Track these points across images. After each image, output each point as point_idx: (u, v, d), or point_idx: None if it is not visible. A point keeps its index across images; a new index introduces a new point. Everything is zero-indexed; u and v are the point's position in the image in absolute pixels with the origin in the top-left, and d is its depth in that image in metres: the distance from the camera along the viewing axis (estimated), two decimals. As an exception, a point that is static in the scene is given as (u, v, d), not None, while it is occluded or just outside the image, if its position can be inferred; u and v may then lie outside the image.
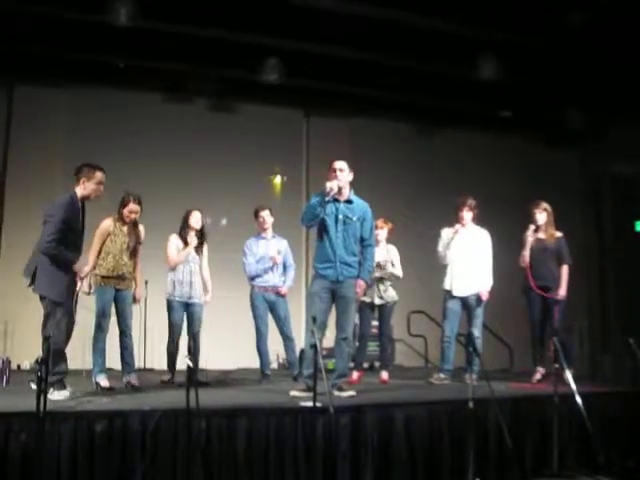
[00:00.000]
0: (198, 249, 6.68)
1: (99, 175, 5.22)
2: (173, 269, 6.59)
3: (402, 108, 10.28)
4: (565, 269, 6.81)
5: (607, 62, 8.52)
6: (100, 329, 5.87)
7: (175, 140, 9.47)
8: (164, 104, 9.52)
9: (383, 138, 10.51)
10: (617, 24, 7.76)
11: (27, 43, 8.12)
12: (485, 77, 8.38)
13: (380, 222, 6.96)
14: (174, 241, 6.64)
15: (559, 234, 6.90)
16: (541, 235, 6.86)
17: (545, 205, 6.91)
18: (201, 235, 6.72)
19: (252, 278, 7.08)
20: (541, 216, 6.85)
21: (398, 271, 6.99)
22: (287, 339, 7.14)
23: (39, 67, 8.82)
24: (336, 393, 5.33)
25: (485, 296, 6.72)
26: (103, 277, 5.90)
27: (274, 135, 10.01)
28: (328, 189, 5.45)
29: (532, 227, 6.82)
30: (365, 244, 5.71)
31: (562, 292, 6.75)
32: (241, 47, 8.40)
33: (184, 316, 6.62)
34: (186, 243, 6.60)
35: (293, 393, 5.41)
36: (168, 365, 6.61)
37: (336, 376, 5.57)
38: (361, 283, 5.66)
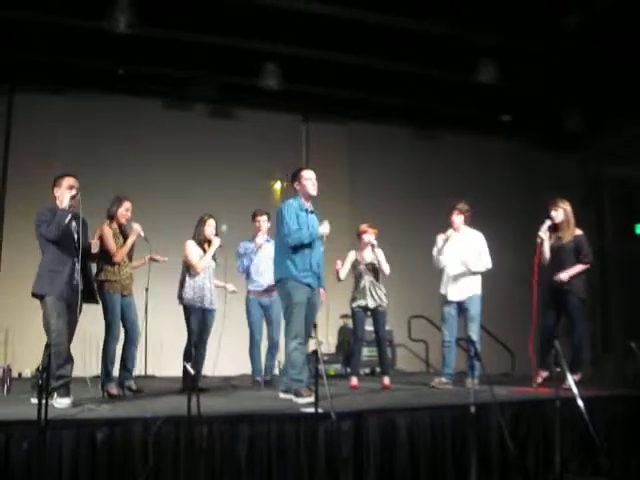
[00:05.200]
0: (213, 256, 6.63)
1: (69, 180, 5.25)
2: (192, 275, 6.48)
3: (401, 112, 10.31)
4: (579, 265, 6.50)
5: (606, 65, 8.54)
6: (112, 337, 5.89)
7: (175, 146, 9.48)
8: (163, 110, 9.56)
9: (382, 142, 10.53)
10: (615, 27, 7.77)
11: (27, 50, 8.15)
12: (484, 81, 8.38)
13: (367, 226, 7.00)
14: (194, 247, 6.53)
15: (579, 232, 6.62)
16: (559, 234, 6.61)
17: (562, 203, 6.64)
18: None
19: (246, 275, 7.10)
20: (557, 214, 6.61)
21: (387, 269, 6.99)
22: (272, 343, 7.15)
23: (39, 74, 8.86)
24: (292, 398, 5.39)
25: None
26: (111, 283, 5.91)
27: (273, 140, 10.03)
28: (322, 234, 5.64)
29: (547, 223, 6.58)
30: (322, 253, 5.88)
31: (562, 275, 6.42)
32: (240, 53, 8.43)
33: (201, 321, 6.51)
34: (203, 248, 6.55)
35: (288, 398, 5.47)
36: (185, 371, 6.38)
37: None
38: (323, 292, 6.00)
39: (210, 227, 6.58)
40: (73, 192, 5.17)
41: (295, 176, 5.81)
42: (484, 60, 8.33)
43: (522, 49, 8.43)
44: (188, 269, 6.53)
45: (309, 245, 5.60)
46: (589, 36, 7.91)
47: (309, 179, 5.71)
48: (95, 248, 5.40)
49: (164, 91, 9.48)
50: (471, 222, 6.98)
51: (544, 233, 6.59)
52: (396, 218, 10.09)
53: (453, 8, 7.59)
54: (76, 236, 5.20)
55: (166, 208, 8.93)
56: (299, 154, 10.58)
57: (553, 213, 6.66)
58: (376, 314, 6.96)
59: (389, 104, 10.04)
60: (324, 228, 5.62)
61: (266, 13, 7.66)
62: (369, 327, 7.13)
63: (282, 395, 5.62)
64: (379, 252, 6.98)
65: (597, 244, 10.97)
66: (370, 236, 6.96)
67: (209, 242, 6.55)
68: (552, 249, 6.60)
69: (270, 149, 9.96)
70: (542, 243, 6.57)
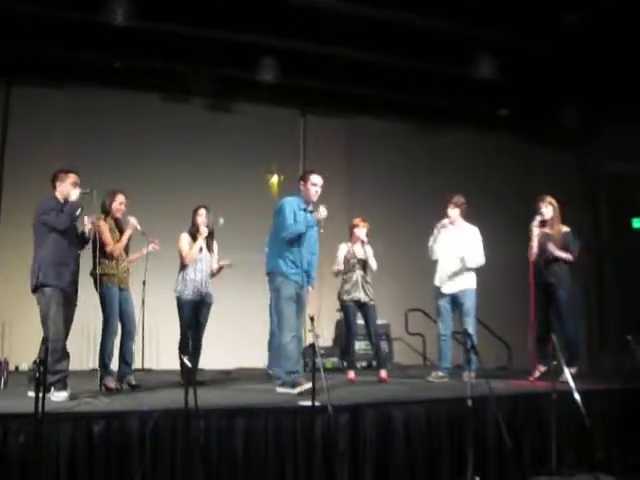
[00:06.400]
0: (209, 247, 6.63)
1: (72, 176, 5.28)
2: (184, 267, 6.52)
3: (399, 107, 10.28)
4: (569, 255, 6.59)
5: (604, 62, 8.54)
6: (110, 331, 5.87)
7: (172, 139, 9.46)
8: (161, 103, 9.52)
9: (380, 137, 10.51)
10: (614, 24, 7.76)
11: (24, 43, 8.11)
12: (483, 76, 8.37)
13: (360, 221, 7.00)
14: (185, 238, 6.57)
15: (566, 229, 6.73)
16: (547, 230, 6.70)
17: (550, 199, 6.76)
18: (209, 233, 6.62)
19: None
20: (547, 210, 6.70)
21: (374, 265, 6.97)
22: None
23: (36, 67, 8.81)
24: (291, 390, 5.42)
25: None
26: (109, 276, 5.91)
27: (271, 134, 10.00)
28: (321, 218, 5.65)
29: (538, 218, 6.67)
30: (312, 252, 5.88)
31: (555, 251, 6.53)
32: (238, 46, 8.40)
33: (195, 314, 6.52)
34: (195, 240, 6.55)
35: (285, 392, 5.51)
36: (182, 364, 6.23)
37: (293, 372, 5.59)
38: (311, 290, 5.98)
39: (201, 217, 6.59)
40: (78, 190, 5.19)
41: (303, 177, 5.92)
42: (484, 56, 8.31)
43: (521, 44, 8.41)
44: (181, 262, 6.55)
45: (300, 243, 5.68)
46: (588, 33, 7.89)
47: (315, 185, 5.81)
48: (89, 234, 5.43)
49: (161, 85, 9.44)
50: (470, 217, 6.98)
51: (536, 228, 6.67)
52: (394, 213, 10.08)
53: (454, 3, 7.57)
54: (79, 230, 5.23)
55: (163, 202, 8.91)
56: (296, 148, 10.57)
57: (544, 209, 6.74)
58: (366, 309, 6.96)
59: (388, 99, 10.02)
60: (322, 212, 5.65)
61: (265, 6, 7.63)
62: (360, 321, 7.10)
63: (279, 389, 5.62)
64: (368, 248, 6.98)
65: (594, 240, 11.01)
66: (362, 230, 6.96)
67: (203, 228, 6.56)
68: (540, 244, 6.66)
69: (268, 143, 9.94)
70: (532, 238, 6.65)
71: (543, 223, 6.73)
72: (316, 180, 5.82)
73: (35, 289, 5.11)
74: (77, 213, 5.10)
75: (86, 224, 5.46)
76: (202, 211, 6.61)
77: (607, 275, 10.94)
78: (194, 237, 6.56)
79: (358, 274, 6.91)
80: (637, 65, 8.37)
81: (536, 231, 6.66)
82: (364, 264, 6.93)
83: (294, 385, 5.43)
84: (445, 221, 6.80)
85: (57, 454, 4.01)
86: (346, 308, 6.98)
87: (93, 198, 5.27)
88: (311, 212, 5.85)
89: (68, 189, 5.20)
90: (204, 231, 6.53)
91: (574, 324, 6.67)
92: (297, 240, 5.67)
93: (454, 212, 6.84)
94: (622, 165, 10.43)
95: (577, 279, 6.82)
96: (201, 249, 6.56)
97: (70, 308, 5.19)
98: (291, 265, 5.67)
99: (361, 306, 6.94)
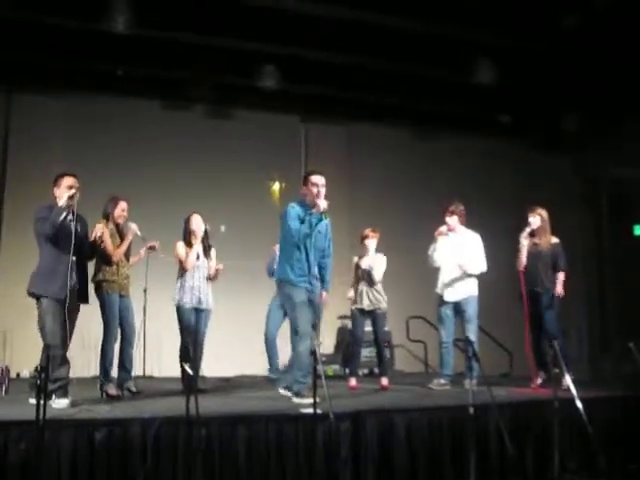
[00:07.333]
0: (206, 254, 6.61)
1: (69, 179, 5.23)
2: (182, 275, 6.50)
3: (400, 113, 10.29)
4: (561, 275, 6.74)
5: (605, 66, 8.54)
6: (111, 337, 5.88)
7: (173, 147, 9.48)
8: (162, 111, 9.53)
9: (381, 144, 10.53)
10: (614, 28, 7.78)
11: (24, 51, 8.12)
12: (482, 82, 8.38)
13: (370, 231, 7.01)
14: (182, 246, 6.54)
15: (555, 240, 6.83)
16: (536, 240, 6.79)
17: (540, 210, 6.84)
18: (205, 237, 6.61)
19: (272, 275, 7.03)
20: (534, 220, 6.78)
21: (377, 276, 6.96)
22: None
23: (37, 75, 8.82)
24: (292, 397, 5.38)
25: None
26: (109, 283, 5.90)
27: (272, 141, 10.03)
28: (322, 209, 5.45)
29: (527, 229, 6.75)
30: (326, 254, 5.79)
31: (558, 289, 6.67)
32: (238, 54, 8.41)
33: (194, 321, 6.50)
34: (191, 246, 6.53)
35: (287, 395, 5.50)
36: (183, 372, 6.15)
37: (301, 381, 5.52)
38: (325, 294, 5.88)
39: (195, 221, 6.55)
40: (72, 192, 5.14)
41: (304, 179, 5.75)
42: (484, 61, 8.32)
43: (521, 49, 8.42)
44: (180, 269, 6.54)
45: (307, 249, 5.58)
46: (589, 37, 7.91)
47: (315, 184, 5.57)
48: (99, 240, 5.41)
49: (162, 92, 9.45)
50: (470, 223, 6.99)
51: (525, 239, 6.73)
52: (396, 219, 10.08)
53: (453, 8, 7.58)
54: (74, 235, 5.12)
55: (164, 209, 8.91)
56: (298, 155, 10.58)
57: (531, 219, 6.81)
58: (374, 316, 6.98)
59: (388, 105, 10.03)
60: (322, 204, 5.45)
61: (265, 14, 7.65)
62: (369, 328, 7.15)
63: (282, 391, 5.60)
64: (380, 257, 7.00)
65: (595, 244, 11.01)
66: (371, 241, 6.98)
67: (198, 234, 6.55)
68: (529, 255, 6.73)
69: (268, 150, 9.96)
70: (521, 249, 6.71)
71: (533, 234, 6.80)
72: (316, 179, 5.60)
73: (31, 296, 5.11)
74: (60, 218, 5.02)
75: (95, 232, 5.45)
76: (195, 217, 6.60)
77: (608, 280, 10.94)
78: (189, 244, 6.54)
79: (363, 284, 6.96)
80: (638, 69, 8.39)
81: (525, 242, 6.73)
82: (369, 275, 6.94)
83: (297, 394, 5.38)
84: (443, 228, 6.81)
85: (58, 461, 4.00)
86: (352, 316, 7.09)
87: (76, 201, 5.18)
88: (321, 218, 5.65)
89: (63, 192, 5.16)
90: (200, 233, 6.51)
91: (555, 330, 6.68)
92: (304, 244, 5.57)
93: (452, 219, 6.85)
94: (622, 169, 10.45)
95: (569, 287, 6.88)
96: (198, 256, 6.54)
97: (69, 314, 5.11)
98: (299, 272, 5.57)
99: (369, 313, 6.97)
